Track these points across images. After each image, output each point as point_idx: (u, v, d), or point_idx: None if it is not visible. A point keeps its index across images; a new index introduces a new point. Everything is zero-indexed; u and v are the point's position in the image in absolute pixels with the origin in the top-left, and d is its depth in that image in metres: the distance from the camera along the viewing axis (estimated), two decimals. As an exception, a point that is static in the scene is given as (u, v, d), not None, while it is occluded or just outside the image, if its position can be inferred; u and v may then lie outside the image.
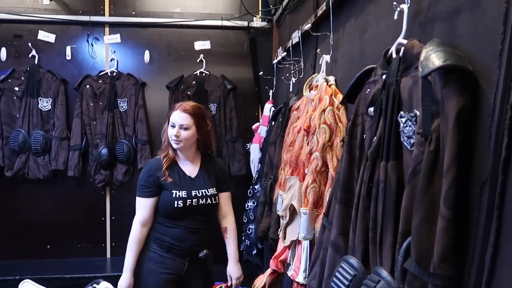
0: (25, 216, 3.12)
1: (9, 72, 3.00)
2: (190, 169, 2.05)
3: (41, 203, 3.14)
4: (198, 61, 3.19)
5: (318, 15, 1.78)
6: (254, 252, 2.55)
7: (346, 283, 1.00)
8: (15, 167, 2.99)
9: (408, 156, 0.89)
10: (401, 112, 0.91)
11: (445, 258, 0.71)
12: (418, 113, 0.85)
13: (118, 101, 3.07)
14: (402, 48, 0.95)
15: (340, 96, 1.44)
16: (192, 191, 1.98)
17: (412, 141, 0.87)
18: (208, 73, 3.17)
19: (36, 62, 3.04)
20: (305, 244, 1.46)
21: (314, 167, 1.40)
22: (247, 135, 3.19)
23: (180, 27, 3.19)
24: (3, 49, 3.04)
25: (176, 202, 1.94)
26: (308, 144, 1.49)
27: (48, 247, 3.13)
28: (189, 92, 3.13)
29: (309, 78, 1.73)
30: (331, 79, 1.56)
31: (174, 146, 1.96)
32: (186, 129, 1.93)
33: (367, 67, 1.14)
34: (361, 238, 1.01)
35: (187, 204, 1.95)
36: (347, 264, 1.02)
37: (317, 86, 1.62)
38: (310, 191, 1.41)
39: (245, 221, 2.70)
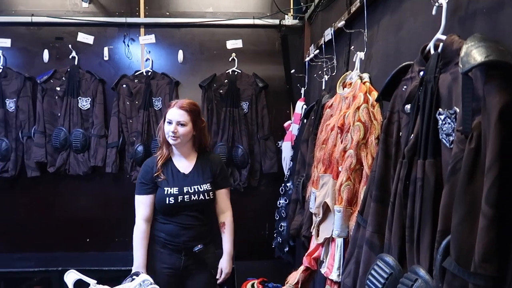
0: (66, 210, 3.26)
1: (51, 73, 3.14)
2: (184, 165, 2.09)
3: (81, 198, 3.28)
4: (230, 60, 3.22)
5: (351, 12, 1.76)
6: (286, 249, 2.57)
7: (382, 281, 1.00)
8: (57, 163, 3.13)
9: (447, 153, 0.87)
10: (440, 109, 0.90)
11: (487, 258, 0.70)
12: (457, 110, 0.83)
13: (153, 100, 3.15)
14: (441, 44, 0.94)
15: (374, 94, 1.43)
16: (184, 188, 2.02)
17: (451, 138, 0.86)
18: (240, 71, 3.20)
19: (76, 63, 3.17)
20: (339, 241, 1.46)
21: (348, 165, 1.40)
22: (278, 133, 3.21)
23: (212, 26, 3.23)
24: (46, 51, 3.19)
25: (167, 198, 2.00)
26: (341, 142, 1.49)
27: (88, 240, 3.26)
28: (221, 91, 3.17)
29: (343, 76, 1.72)
30: (366, 76, 1.55)
31: (172, 142, 2.00)
32: (183, 125, 1.98)
33: (403, 64, 1.12)
34: (397, 236, 1.00)
35: (179, 200, 2.00)
36: (383, 262, 1.02)
37: (351, 84, 1.61)
38: (344, 189, 1.41)
39: (277, 218, 2.71)
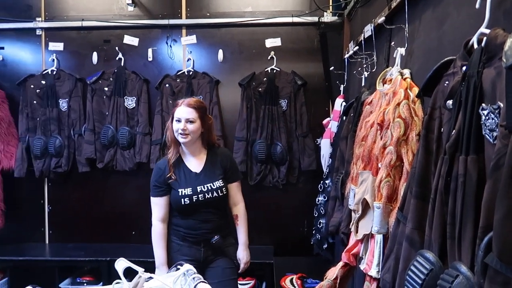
0: (113, 204, 3.43)
1: (99, 74, 3.31)
2: (195, 164, 2.12)
3: (127, 193, 3.44)
4: (269, 58, 3.25)
5: (392, 7, 1.74)
6: (325, 246, 2.58)
7: (422, 277, 1.00)
8: (105, 159, 3.30)
9: (490, 149, 0.86)
10: (483, 105, 0.88)
11: (530, 254, 0.69)
12: (501, 105, 0.82)
13: (194, 99, 3.25)
14: (484, 38, 0.92)
15: (415, 90, 1.41)
16: (198, 187, 2.05)
17: (494, 134, 0.85)
18: (279, 69, 3.23)
19: (122, 64, 3.33)
20: (378, 238, 1.46)
21: (388, 162, 1.39)
22: (317, 130, 3.20)
23: (251, 25, 3.28)
24: (95, 54, 3.37)
25: (182, 199, 2.04)
26: (381, 138, 1.49)
27: (133, 233, 3.42)
28: (260, 89, 3.22)
29: (383, 72, 1.71)
30: (406, 72, 1.54)
31: (181, 140, 2.04)
32: (191, 122, 2.02)
33: (445, 59, 1.11)
34: (438, 233, 1.00)
35: (194, 200, 2.04)
36: (423, 258, 1.02)
37: (391, 80, 1.60)
38: (384, 185, 1.40)
39: (316, 215, 2.72)
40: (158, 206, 2.11)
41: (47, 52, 3.40)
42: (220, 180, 2.10)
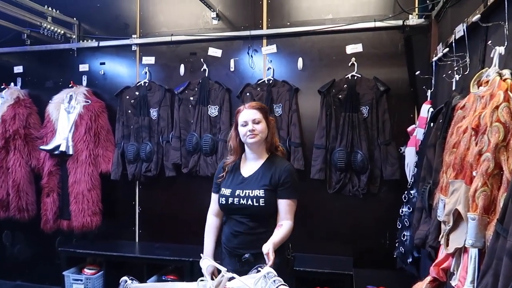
0: (196, 208, 3.56)
1: (186, 85, 3.53)
2: (249, 169, 2.11)
3: (209, 198, 3.58)
4: (349, 64, 3.20)
5: (488, 4, 1.62)
6: (410, 260, 2.43)
7: (527, 295, 0.90)
8: (190, 165, 3.49)
9: None
10: None
11: None
12: None
13: (274, 106, 3.30)
14: None
15: (517, 91, 1.29)
16: (236, 190, 2.04)
17: None
18: (360, 76, 3.16)
19: (206, 75, 3.51)
20: (473, 252, 1.35)
21: (485, 169, 1.28)
22: (401, 138, 3.05)
23: (332, 32, 3.26)
24: (182, 66, 3.61)
25: (220, 199, 2.08)
26: (476, 144, 1.38)
27: (214, 236, 3.54)
28: (340, 96, 3.17)
29: (478, 74, 1.58)
30: (506, 72, 1.41)
31: (251, 141, 2.04)
32: (258, 122, 2.04)
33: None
34: (547, 247, 0.90)
35: (229, 202, 2.05)
36: (529, 275, 0.92)
37: (487, 82, 1.47)
38: (480, 195, 1.29)
39: (399, 227, 2.59)
40: (212, 200, 2.25)
41: (140, 66, 3.72)
42: (262, 190, 2.01)
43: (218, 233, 2.21)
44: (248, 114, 2.06)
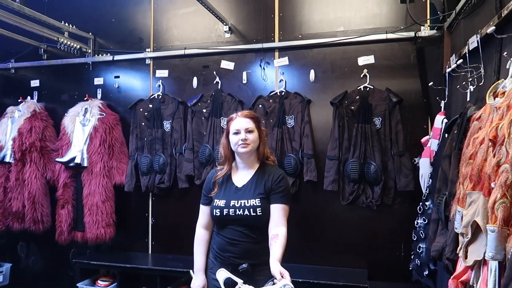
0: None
1: (199, 97, 3.57)
2: (241, 179, 2.08)
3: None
4: (361, 76, 3.21)
5: (502, 15, 1.62)
6: (426, 273, 2.40)
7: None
8: (203, 176, 3.50)
9: None
10: None
11: None
12: None
13: (286, 118, 3.32)
14: None
15: (535, 102, 1.29)
16: (231, 201, 2.00)
17: None
18: (372, 87, 3.16)
19: (219, 87, 3.55)
20: (493, 265, 1.33)
21: (504, 181, 1.27)
22: (415, 149, 3.03)
23: (344, 44, 3.28)
24: (195, 78, 3.65)
25: (214, 210, 2.03)
26: (494, 155, 1.37)
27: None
28: (352, 107, 3.17)
29: (494, 85, 1.58)
30: (523, 83, 1.41)
31: (242, 150, 2.02)
32: (251, 131, 2.02)
33: None
34: None
35: (224, 214, 2.00)
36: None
37: (504, 93, 1.47)
38: (499, 207, 1.28)
39: (415, 239, 2.57)
40: (202, 213, 2.20)
41: (154, 79, 3.78)
42: (257, 199, 1.98)
43: (208, 246, 2.18)
44: (240, 123, 2.04)
